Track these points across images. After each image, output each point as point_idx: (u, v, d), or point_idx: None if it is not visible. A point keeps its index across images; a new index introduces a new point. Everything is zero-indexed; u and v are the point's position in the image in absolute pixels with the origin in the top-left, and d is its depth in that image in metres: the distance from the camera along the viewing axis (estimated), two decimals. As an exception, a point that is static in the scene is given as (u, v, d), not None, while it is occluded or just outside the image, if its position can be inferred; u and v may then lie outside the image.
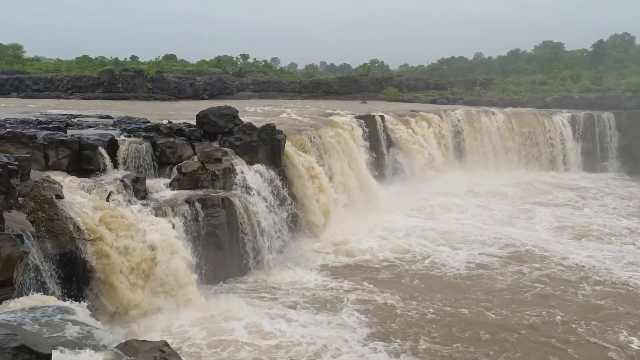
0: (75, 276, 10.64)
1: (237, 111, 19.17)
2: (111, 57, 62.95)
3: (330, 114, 28.06)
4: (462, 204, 24.81)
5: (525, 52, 70.04)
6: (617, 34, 65.46)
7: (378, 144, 27.54)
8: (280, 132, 18.76)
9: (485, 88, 51.52)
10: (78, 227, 11.08)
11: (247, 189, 16.49)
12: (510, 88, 50.03)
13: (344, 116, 27.58)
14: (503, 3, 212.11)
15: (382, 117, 28.94)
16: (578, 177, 33.56)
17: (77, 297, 9.94)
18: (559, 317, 12.98)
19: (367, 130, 26.95)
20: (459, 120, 33.36)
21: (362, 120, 27.28)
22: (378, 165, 26.73)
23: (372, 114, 29.03)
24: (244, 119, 19.85)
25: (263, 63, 68.16)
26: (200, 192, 15.22)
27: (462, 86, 53.76)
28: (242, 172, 16.84)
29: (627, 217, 23.49)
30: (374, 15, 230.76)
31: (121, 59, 63.49)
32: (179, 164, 16.21)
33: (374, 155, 26.56)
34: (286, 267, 16.05)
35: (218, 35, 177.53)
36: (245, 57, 66.34)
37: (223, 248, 14.80)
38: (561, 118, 36.66)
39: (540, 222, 22.38)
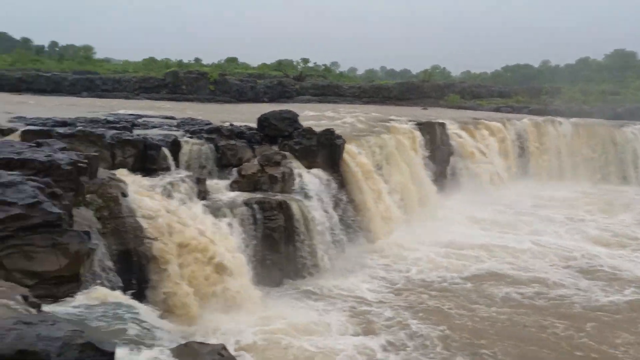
0: (137, 273, 10.86)
1: (297, 115, 19.25)
2: (176, 59, 64.58)
3: (390, 120, 27.75)
4: (529, 218, 23.67)
5: (595, 60, 67.62)
6: (695, 43, 62.29)
7: (439, 152, 27.02)
8: (339, 137, 18.71)
9: (551, 97, 49.88)
10: (141, 225, 11.32)
11: (305, 193, 16.50)
12: (579, 97, 48.24)
13: (404, 123, 27.24)
14: (572, 15, 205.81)
15: (443, 124, 28.43)
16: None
17: (139, 294, 10.13)
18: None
19: (427, 137, 26.45)
20: (524, 130, 32.41)
21: (422, 127, 26.84)
22: (438, 173, 26.20)
23: (433, 120, 28.54)
24: (304, 122, 19.90)
25: (323, 67, 68.32)
26: (258, 195, 15.32)
27: (527, 94, 52.13)
28: (300, 176, 16.87)
29: None
30: (434, 21, 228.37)
31: (185, 61, 65.06)
32: (239, 166, 16.39)
33: (435, 163, 26.07)
34: (341, 273, 15.90)
35: (279, 39, 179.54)
36: (305, 61, 66.71)
37: (279, 251, 14.84)
38: (633, 130, 35.05)
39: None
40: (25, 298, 4.95)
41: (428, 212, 21.97)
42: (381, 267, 16.81)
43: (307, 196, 16.40)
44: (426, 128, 27.07)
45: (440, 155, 27.10)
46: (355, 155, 19.59)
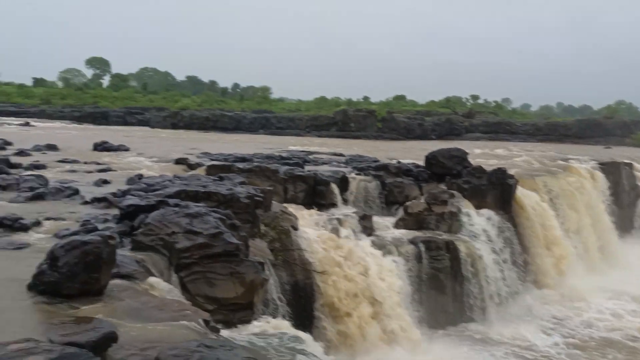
0: (305, 306, 11.17)
1: (467, 153, 18.77)
2: (345, 98, 66.95)
3: (568, 159, 25.97)
4: None
5: None
6: None
7: (624, 195, 24.66)
8: (511, 176, 17.87)
9: None
10: (309, 258, 11.69)
11: (473, 233, 15.92)
12: None
13: (584, 162, 25.31)
14: None
15: (630, 164, 25.99)
16: None
17: (306, 326, 10.40)
18: None
19: (611, 178, 24.29)
20: None
21: (605, 168, 24.71)
22: (622, 218, 23.86)
23: (617, 161, 26.22)
24: (473, 161, 19.35)
25: (494, 104, 66.43)
26: (425, 234, 15.09)
27: None
28: (469, 216, 16.33)
29: None
30: (617, 54, 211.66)
31: (354, 99, 67.18)
32: (405, 204, 16.30)
33: (619, 207, 23.78)
34: (510, 320, 14.98)
35: (448, 76, 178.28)
36: (475, 97, 65.50)
37: (445, 293, 14.42)
38: None
39: None
40: (206, 322, 5.29)
41: (609, 260, 20.02)
42: (554, 316, 15.56)
43: (475, 237, 15.81)
44: (609, 168, 24.87)
45: (625, 198, 24.69)
46: (528, 196, 18.53)
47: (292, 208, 13.38)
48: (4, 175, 12.48)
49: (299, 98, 78.06)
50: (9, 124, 40.25)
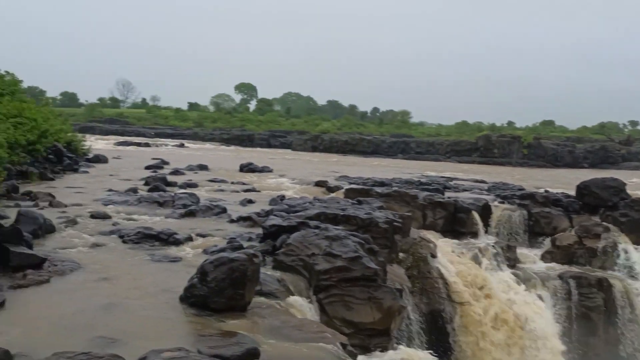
0: (442, 337, 10.82)
1: (625, 184, 17.28)
2: (488, 123, 64.92)
3: None
4: None
5: None
6: None
7: None
8: (677, 210, 16.12)
9: None
10: (447, 287, 11.33)
11: (631, 271, 14.55)
12: None
13: None
14: None
15: None
16: None
17: (444, 357, 10.06)
18: None
19: None
20: None
21: None
22: None
23: None
24: (632, 192, 17.75)
25: (656, 131, 60.81)
26: (574, 269, 14.06)
27: None
28: (625, 251, 14.95)
29: None
30: None
31: (498, 124, 64.91)
32: (553, 236, 15.35)
33: None
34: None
35: (602, 101, 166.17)
36: (634, 123, 60.52)
37: (597, 335, 13.26)
38: None
39: None
40: (344, 346, 5.27)
41: None
42: None
43: (632, 275, 14.42)
44: None
45: None
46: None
47: (430, 235, 13.12)
48: (161, 193, 13.61)
49: (439, 122, 77.04)
50: (166, 145, 43.90)
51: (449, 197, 15.66)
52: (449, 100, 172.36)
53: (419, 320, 10.31)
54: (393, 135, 55.21)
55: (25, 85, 26.07)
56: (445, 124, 71.14)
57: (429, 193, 15.82)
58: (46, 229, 8.67)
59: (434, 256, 11.69)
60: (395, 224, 9.95)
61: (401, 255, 10.68)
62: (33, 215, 8.61)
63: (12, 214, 8.98)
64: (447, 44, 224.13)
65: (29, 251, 6.95)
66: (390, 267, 9.14)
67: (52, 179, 15.64)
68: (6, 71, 22.17)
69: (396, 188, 16.03)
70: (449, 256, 12.41)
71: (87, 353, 3.88)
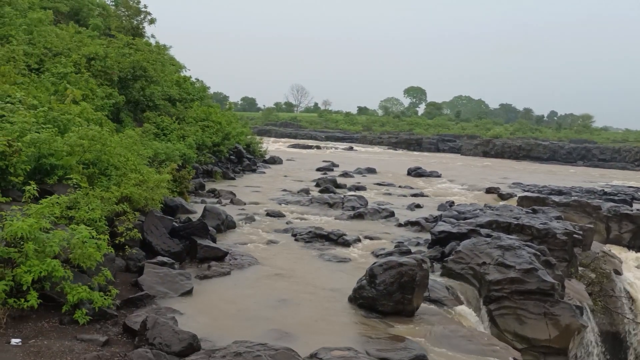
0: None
1: None
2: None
3: None
4: None
5: None
6: None
7: None
8: None
9: None
10: (633, 307, 10.27)
11: None
12: None
13: None
14: None
15: None
16: None
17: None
18: None
19: None
20: None
21: None
22: None
23: None
24: None
25: None
26: None
27: None
28: None
29: None
30: None
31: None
32: None
33: None
34: None
35: None
36: None
37: None
38: None
39: None
40: (516, 362, 5.01)
41: None
42: None
43: None
44: None
45: None
46: None
47: (615, 250, 12.01)
48: (331, 194, 14.09)
49: (627, 127, 70.01)
50: (335, 148, 45.17)
51: (638, 210, 14.19)
52: (638, 104, 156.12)
53: (602, 343, 9.47)
54: (572, 141, 51.27)
55: (211, 91, 28.56)
56: (633, 129, 64.46)
57: (614, 204, 14.48)
58: (227, 224, 9.42)
59: (619, 273, 10.67)
60: (575, 235, 9.25)
61: (581, 270, 9.90)
62: (217, 211, 9.39)
63: (199, 209, 9.88)
64: (635, 46, 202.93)
65: (214, 245, 7.59)
66: (568, 282, 8.51)
67: (233, 178, 16.92)
68: (196, 78, 24.54)
69: (576, 197, 14.92)
70: (637, 273, 11.24)
71: (264, 344, 4.10)
